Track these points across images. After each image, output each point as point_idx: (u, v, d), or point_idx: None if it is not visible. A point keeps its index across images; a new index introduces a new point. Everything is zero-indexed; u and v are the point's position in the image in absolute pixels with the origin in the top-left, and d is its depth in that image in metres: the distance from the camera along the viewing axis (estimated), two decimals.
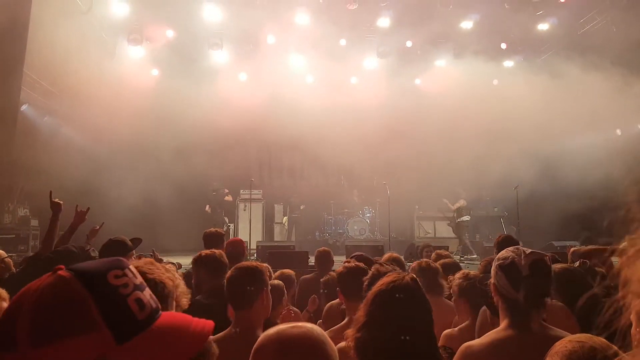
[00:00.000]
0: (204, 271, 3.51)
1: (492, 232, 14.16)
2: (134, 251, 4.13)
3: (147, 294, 0.94)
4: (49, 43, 10.30)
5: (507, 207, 14.28)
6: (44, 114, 12.71)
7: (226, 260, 3.61)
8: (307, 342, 1.36)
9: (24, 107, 11.42)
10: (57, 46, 10.60)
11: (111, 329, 0.83)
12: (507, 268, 2.08)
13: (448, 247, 10.19)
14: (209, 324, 0.95)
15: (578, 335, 1.63)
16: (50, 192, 4.29)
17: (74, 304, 0.83)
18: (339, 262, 6.71)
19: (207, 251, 3.71)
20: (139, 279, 0.95)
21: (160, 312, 0.94)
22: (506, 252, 2.15)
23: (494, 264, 2.17)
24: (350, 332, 1.85)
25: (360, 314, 1.86)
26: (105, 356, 0.82)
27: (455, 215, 13.37)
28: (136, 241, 4.27)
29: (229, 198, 14.54)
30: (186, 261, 7.92)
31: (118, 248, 3.99)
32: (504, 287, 2.08)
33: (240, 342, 2.11)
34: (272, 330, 1.40)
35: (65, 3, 11.51)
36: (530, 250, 2.11)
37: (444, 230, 14.58)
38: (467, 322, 3.02)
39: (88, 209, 4.74)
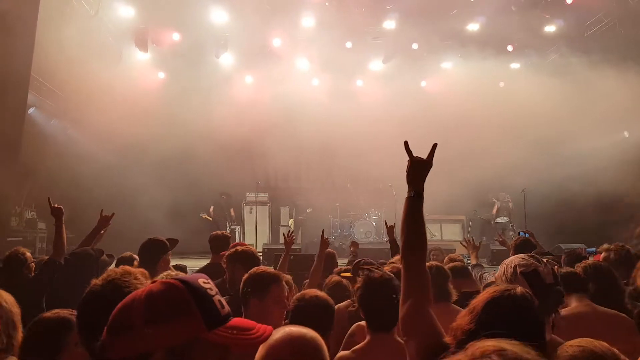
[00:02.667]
0: (240, 266, 3.49)
1: (497, 235, 14.11)
2: (170, 251, 4.17)
3: (223, 300, 1.21)
4: (56, 46, 10.33)
5: (514, 210, 14.24)
6: (51, 117, 12.78)
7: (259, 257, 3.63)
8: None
9: (31, 110, 11.47)
10: (65, 49, 10.64)
11: (203, 317, 1.10)
12: (531, 275, 2.08)
13: (455, 249, 10.15)
14: (269, 328, 1.21)
15: (579, 339, 1.62)
16: (49, 199, 4.29)
17: (176, 296, 1.11)
18: (344, 265, 6.69)
19: (243, 247, 3.74)
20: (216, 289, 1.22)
21: (232, 316, 1.20)
22: (525, 259, 2.14)
23: (515, 270, 2.14)
24: (449, 339, 1.76)
25: (465, 320, 1.75)
26: (198, 337, 1.09)
27: (493, 216, 14.19)
28: (173, 241, 4.30)
29: (232, 213, 14.66)
30: (192, 264, 7.92)
31: (157, 247, 4.05)
32: None
33: None
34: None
35: (72, 7, 11.58)
36: (546, 259, 2.13)
37: (451, 233, 14.52)
38: None
39: (113, 214, 4.78)
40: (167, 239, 4.24)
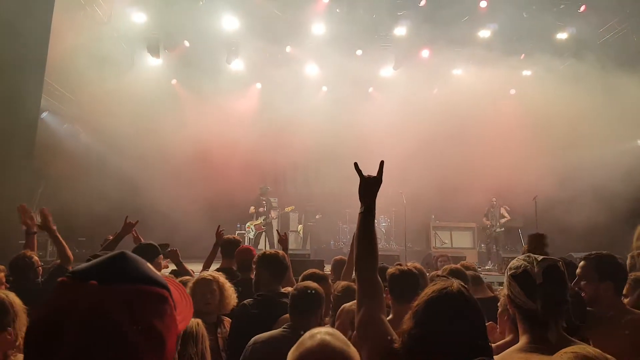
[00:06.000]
0: (266, 271, 3.78)
1: (509, 243, 13.98)
2: (161, 255, 4.36)
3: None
4: (69, 52, 10.48)
5: (525, 218, 14.09)
6: (63, 122, 12.91)
7: (288, 262, 3.95)
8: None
9: (44, 115, 11.61)
10: (78, 55, 10.79)
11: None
12: (520, 277, 2.01)
13: (465, 257, 10.06)
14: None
15: (573, 347, 1.62)
16: (33, 216, 4.41)
17: None
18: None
19: (271, 251, 3.98)
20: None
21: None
22: (517, 261, 2.07)
23: (506, 274, 2.09)
24: (397, 345, 1.80)
25: (410, 325, 1.77)
26: None
27: (493, 224, 13.64)
28: (164, 246, 4.50)
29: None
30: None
31: (148, 251, 4.20)
32: (519, 297, 2.00)
33: None
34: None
35: (85, 13, 11.73)
36: (542, 257, 2.02)
37: (461, 240, 14.41)
38: (508, 338, 2.75)
39: (137, 221, 4.88)
40: (159, 244, 4.40)
